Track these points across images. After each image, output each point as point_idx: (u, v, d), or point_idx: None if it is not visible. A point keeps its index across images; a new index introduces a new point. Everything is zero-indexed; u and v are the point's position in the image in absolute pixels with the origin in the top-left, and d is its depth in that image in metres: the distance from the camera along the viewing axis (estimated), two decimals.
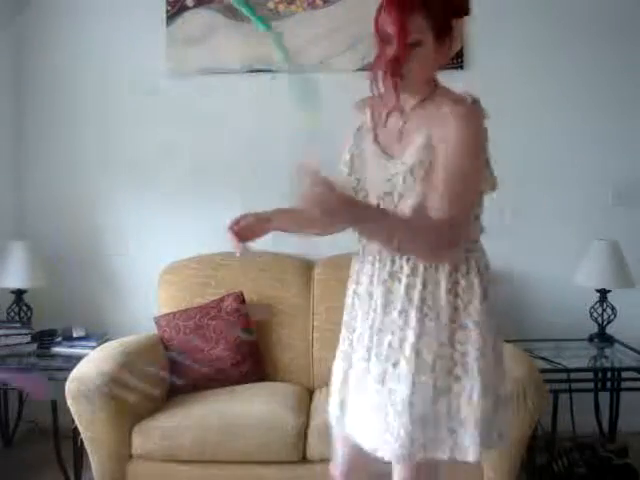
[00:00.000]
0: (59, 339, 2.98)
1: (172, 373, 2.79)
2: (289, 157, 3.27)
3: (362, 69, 3.16)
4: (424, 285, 1.56)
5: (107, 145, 3.31)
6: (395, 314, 1.58)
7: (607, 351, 2.97)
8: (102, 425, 2.38)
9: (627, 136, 3.19)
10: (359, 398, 1.64)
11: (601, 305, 3.02)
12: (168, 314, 2.92)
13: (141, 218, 3.31)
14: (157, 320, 2.91)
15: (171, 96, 3.26)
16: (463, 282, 1.57)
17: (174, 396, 2.71)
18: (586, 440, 2.82)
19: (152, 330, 2.92)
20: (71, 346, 2.92)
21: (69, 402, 2.38)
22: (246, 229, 1.68)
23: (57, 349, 2.92)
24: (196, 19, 3.23)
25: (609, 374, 2.95)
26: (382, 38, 1.51)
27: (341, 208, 1.36)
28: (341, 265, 2.99)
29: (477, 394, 1.53)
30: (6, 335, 2.90)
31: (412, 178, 1.53)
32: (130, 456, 2.45)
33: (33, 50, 3.30)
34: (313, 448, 2.43)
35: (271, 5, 3.20)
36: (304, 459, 2.44)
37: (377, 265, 1.62)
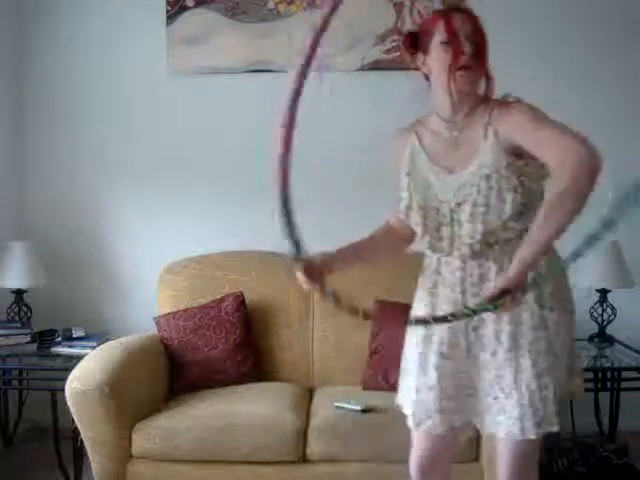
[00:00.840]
0: (59, 339, 2.98)
1: (172, 373, 2.80)
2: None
3: (362, 69, 3.17)
4: None
5: (107, 145, 3.31)
6: None
7: (607, 351, 2.96)
8: (102, 425, 2.38)
9: (628, 136, 3.19)
10: (460, 391, 1.73)
11: (601, 305, 3.02)
12: (168, 314, 2.92)
13: (141, 218, 3.31)
14: (157, 320, 2.91)
15: (171, 96, 3.27)
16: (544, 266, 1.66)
17: (174, 396, 2.71)
18: (586, 440, 2.82)
19: (152, 330, 2.91)
20: (71, 346, 2.92)
21: (69, 402, 2.38)
22: (316, 273, 1.70)
23: (57, 349, 2.92)
24: (196, 19, 3.23)
25: (609, 374, 2.95)
26: (457, 40, 1.62)
27: (518, 288, 1.51)
28: None
29: (568, 368, 1.70)
30: (6, 335, 2.91)
31: (490, 181, 1.61)
32: (130, 456, 2.44)
33: (33, 51, 3.30)
34: (313, 448, 2.43)
35: (271, 5, 3.20)
36: (304, 459, 2.44)
37: (459, 274, 1.69)
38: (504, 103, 1.64)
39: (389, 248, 1.92)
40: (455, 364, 1.73)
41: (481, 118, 1.66)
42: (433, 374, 1.74)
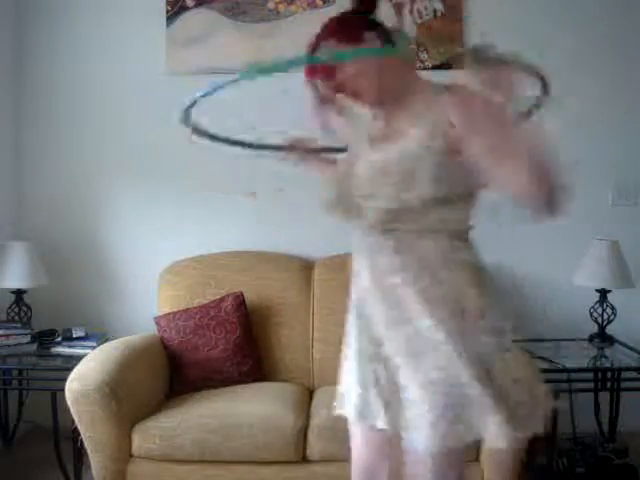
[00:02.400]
0: (59, 339, 2.98)
1: (172, 373, 2.80)
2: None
3: None
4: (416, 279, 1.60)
5: (107, 145, 3.31)
6: (406, 306, 1.60)
7: (607, 351, 2.96)
8: (102, 425, 2.38)
9: (628, 136, 3.19)
10: (396, 395, 1.64)
11: (601, 305, 3.02)
12: (168, 314, 2.92)
13: (141, 218, 3.31)
14: (157, 320, 2.91)
15: (171, 96, 3.26)
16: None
17: (174, 396, 2.71)
18: (586, 440, 2.82)
19: (152, 330, 2.91)
20: (71, 346, 2.91)
21: (69, 402, 2.38)
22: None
23: (57, 349, 2.92)
24: (196, 19, 3.23)
25: (609, 374, 2.95)
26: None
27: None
28: (341, 265, 3.00)
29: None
30: (6, 335, 2.91)
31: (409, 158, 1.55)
32: (130, 456, 2.45)
33: (32, 50, 3.30)
34: (313, 448, 2.43)
35: (271, 5, 3.20)
36: (304, 459, 2.44)
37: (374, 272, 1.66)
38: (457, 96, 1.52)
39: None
40: None
41: (415, 106, 1.58)
42: None
